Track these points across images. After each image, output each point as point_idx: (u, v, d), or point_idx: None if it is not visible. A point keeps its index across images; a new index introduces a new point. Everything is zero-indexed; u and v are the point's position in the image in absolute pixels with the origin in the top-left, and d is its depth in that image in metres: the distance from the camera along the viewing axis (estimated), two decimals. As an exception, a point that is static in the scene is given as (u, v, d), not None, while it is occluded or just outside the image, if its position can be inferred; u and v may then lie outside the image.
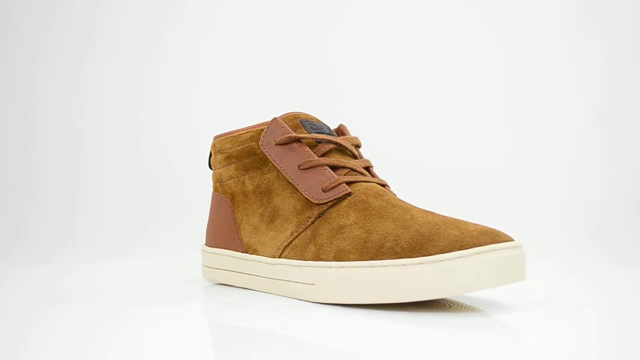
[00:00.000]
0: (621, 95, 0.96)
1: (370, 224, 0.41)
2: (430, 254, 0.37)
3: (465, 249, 0.36)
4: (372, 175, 0.47)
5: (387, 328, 0.35)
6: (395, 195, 0.46)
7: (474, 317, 0.37)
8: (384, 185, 0.46)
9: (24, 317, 0.40)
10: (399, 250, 0.38)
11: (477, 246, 0.36)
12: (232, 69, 1.00)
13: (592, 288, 0.50)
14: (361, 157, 0.48)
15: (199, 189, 0.93)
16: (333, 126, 0.50)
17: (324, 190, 0.43)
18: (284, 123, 0.46)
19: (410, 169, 0.89)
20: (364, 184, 0.44)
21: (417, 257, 0.37)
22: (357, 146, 0.49)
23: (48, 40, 1.00)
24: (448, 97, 0.98)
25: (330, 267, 0.41)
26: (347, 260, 0.40)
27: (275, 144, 0.46)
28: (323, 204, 0.43)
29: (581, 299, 0.45)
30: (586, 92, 0.97)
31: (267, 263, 0.46)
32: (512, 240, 0.37)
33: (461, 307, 0.39)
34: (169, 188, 0.94)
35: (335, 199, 0.43)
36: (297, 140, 0.45)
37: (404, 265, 0.37)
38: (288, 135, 0.45)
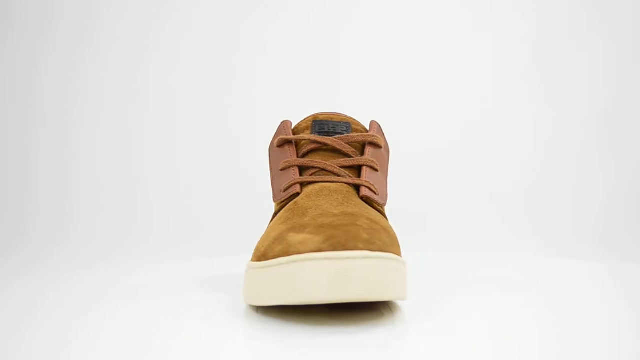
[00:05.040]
0: (628, 93, 0.94)
1: (274, 225, 0.39)
2: (267, 259, 0.35)
3: (288, 255, 0.33)
4: (361, 175, 0.42)
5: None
6: (361, 197, 0.41)
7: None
8: (358, 185, 0.41)
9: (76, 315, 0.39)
10: (259, 254, 0.37)
11: (297, 254, 0.32)
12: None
13: (605, 287, 0.49)
14: (364, 156, 0.43)
15: (199, 190, 0.92)
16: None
17: (282, 191, 0.43)
18: (288, 125, 0.46)
19: (420, 162, 0.89)
20: (320, 184, 0.41)
21: (262, 261, 0.36)
22: (373, 144, 0.44)
23: (45, 39, 0.99)
24: (454, 95, 0.96)
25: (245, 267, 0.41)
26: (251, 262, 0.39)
27: (275, 147, 0.46)
28: (278, 205, 0.43)
29: (593, 297, 0.44)
30: (596, 91, 0.95)
31: None
32: (359, 250, 0.32)
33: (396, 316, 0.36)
34: (169, 188, 0.93)
35: (285, 200, 0.42)
36: (289, 142, 0.45)
37: (253, 268, 0.36)
38: (280, 137, 0.45)
